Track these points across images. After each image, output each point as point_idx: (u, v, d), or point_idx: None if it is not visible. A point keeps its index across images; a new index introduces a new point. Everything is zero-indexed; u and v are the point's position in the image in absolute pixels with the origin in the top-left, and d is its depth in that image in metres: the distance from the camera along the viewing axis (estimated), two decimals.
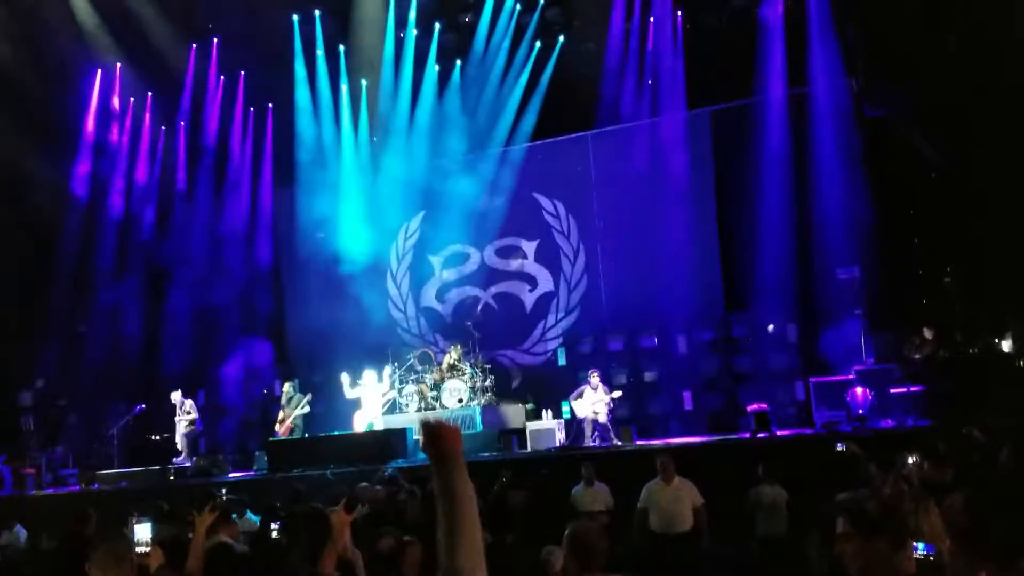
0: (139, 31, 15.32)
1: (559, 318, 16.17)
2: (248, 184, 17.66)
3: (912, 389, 11.27)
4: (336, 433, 13.87)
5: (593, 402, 12.34)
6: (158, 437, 14.75)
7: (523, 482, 9.09)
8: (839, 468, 6.84)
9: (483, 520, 2.12)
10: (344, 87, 16.78)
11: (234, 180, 17.60)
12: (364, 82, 16.67)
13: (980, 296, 12.64)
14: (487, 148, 16.22)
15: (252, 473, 13.58)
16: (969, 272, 12.86)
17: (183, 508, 7.11)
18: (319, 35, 16.14)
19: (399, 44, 16.04)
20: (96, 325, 17.10)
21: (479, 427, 13.33)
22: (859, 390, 11.45)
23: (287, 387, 14.34)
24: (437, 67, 16.29)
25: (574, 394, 12.65)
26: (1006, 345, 12.03)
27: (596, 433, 12.31)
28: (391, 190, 16.60)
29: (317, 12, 15.91)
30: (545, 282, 16.34)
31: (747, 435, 11.57)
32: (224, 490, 9.98)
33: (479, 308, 16.26)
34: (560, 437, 12.63)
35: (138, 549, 4.96)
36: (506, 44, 15.78)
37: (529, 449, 12.56)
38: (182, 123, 17.14)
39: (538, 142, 16.09)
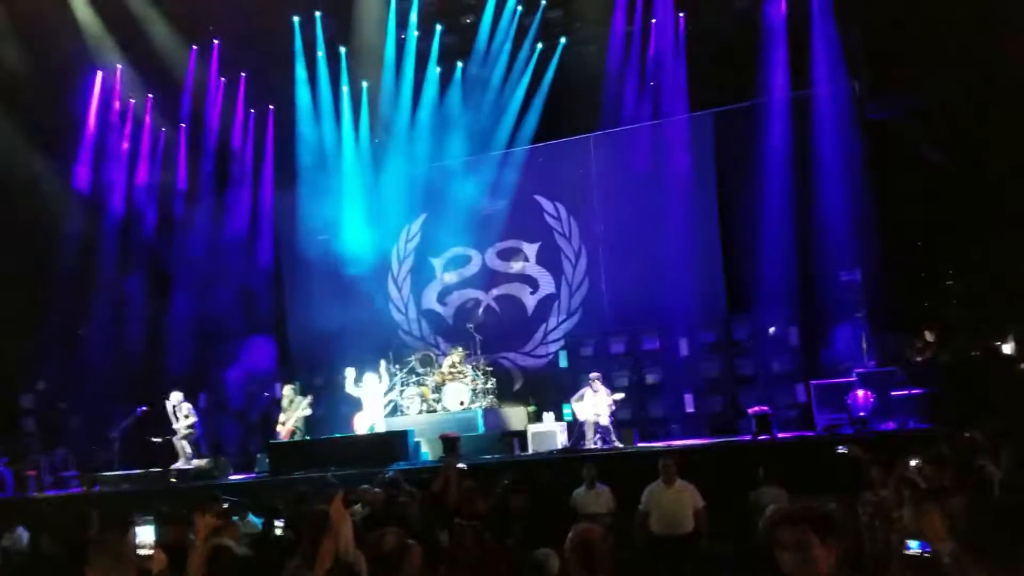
0: (140, 33, 15.31)
1: (561, 320, 16.15)
2: (249, 186, 17.64)
3: (914, 392, 11.27)
4: (337, 435, 13.88)
5: (595, 404, 12.32)
6: (160, 439, 14.70)
7: (524, 484, 9.07)
8: (841, 471, 6.83)
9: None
10: (345, 89, 16.75)
11: (235, 182, 17.60)
12: (365, 84, 16.64)
13: (982, 299, 12.63)
14: (488, 150, 16.19)
15: (253, 475, 13.56)
16: (971, 275, 12.86)
17: (185, 510, 7.10)
18: (320, 37, 16.08)
19: (400, 46, 15.99)
20: (97, 327, 17.09)
21: (481, 429, 13.33)
22: (860, 393, 11.46)
23: (288, 389, 14.30)
24: (438, 69, 16.27)
25: (576, 396, 12.64)
26: (1008, 348, 12.02)
27: (598, 435, 12.28)
28: (392, 192, 16.61)
29: (318, 13, 15.85)
30: (547, 284, 16.32)
31: (748, 437, 11.58)
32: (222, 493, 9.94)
33: (480, 310, 16.22)
34: (562, 439, 12.63)
35: (140, 552, 4.96)
36: (508, 46, 15.74)
37: (531, 451, 12.57)
38: (183, 125, 17.13)
39: (540, 144, 16.06)
